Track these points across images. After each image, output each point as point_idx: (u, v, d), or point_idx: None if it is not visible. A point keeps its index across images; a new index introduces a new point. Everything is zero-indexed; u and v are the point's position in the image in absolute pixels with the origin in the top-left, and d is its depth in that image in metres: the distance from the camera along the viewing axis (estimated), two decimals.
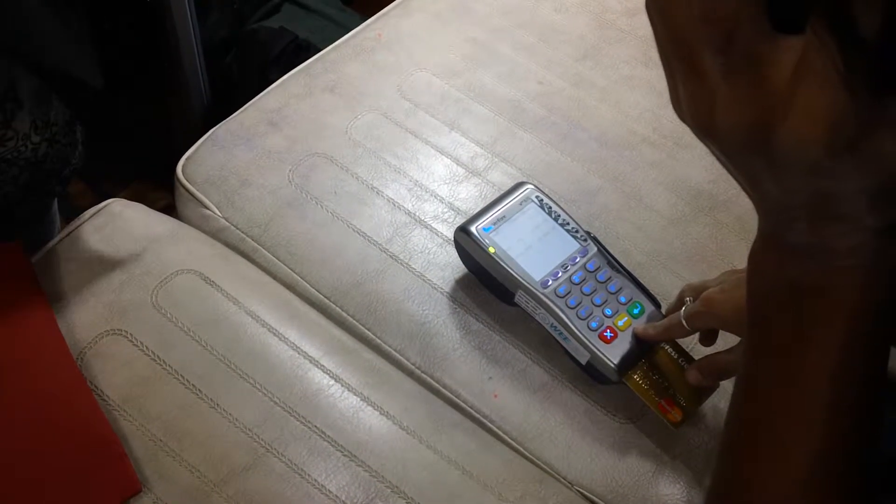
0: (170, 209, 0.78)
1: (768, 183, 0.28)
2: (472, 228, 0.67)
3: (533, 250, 0.67)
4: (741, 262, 0.64)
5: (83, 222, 0.71)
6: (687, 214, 0.78)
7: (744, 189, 0.31)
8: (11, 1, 0.64)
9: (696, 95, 0.28)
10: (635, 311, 0.66)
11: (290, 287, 0.71)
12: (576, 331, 0.64)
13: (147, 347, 0.63)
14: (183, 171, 0.77)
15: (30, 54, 0.67)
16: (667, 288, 0.71)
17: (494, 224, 0.67)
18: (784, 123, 0.25)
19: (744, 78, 0.26)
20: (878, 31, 0.24)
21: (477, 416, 0.66)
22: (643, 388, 0.63)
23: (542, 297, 0.64)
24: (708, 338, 0.63)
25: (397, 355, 0.68)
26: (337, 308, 0.70)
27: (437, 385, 0.67)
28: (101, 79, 0.71)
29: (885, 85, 0.25)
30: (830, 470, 0.32)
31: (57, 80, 0.69)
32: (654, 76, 0.88)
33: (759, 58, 0.25)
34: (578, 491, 0.63)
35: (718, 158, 0.30)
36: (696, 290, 0.61)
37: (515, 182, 0.72)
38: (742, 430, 0.35)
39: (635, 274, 0.68)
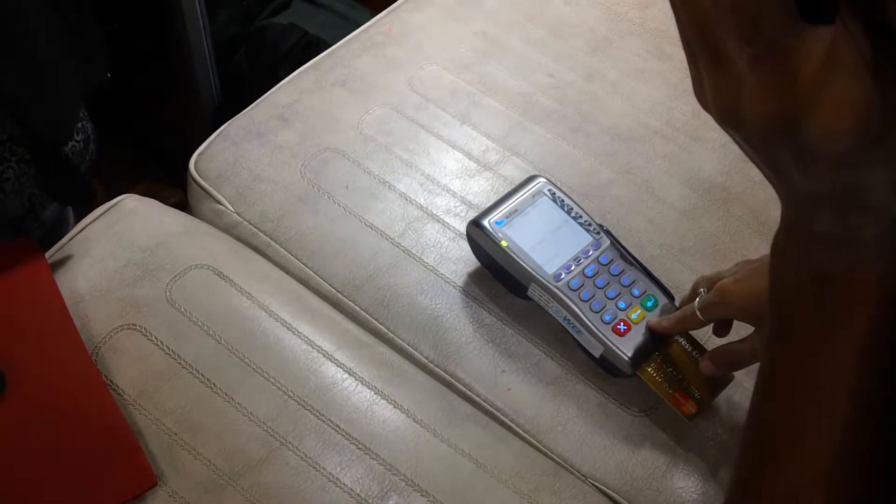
0: (182, 206, 0.79)
1: (794, 173, 0.28)
2: (485, 222, 0.67)
3: (545, 244, 0.67)
4: (755, 255, 0.64)
5: (96, 218, 0.72)
6: (700, 207, 0.78)
7: (767, 178, 0.30)
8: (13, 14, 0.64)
9: (720, 85, 0.27)
10: (649, 303, 0.65)
11: (303, 281, 0.72)
12: (589, 324, 0.63)
13: (161, 342, 0.63)
14: (195, 166, 0.77)
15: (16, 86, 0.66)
16: (680, 281, 0.71)
17: (507, 217, 0.67)
18: (812, 115, 0.25)
19: (771, 68, 0.26)
20: None
21: (490, 409, 0.66)
22: (657, 380, 0.63)
23: (554, 290, 0.64)
24: (722, 328, 0.63)
25: (410, 349, 0.68)
26: (350, 302, 0.70)
27: (450, 378, 0.67)
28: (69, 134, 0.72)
29: None
30: (853, 463, 0.32)
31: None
32: (666, 68, 0.88)
33: (786, 48, 0.25)
34: (592, 484, 0.63)
35: (742, 147, 0.29)
36: (709, 282, 0.60)
37: (527, 175, 0.71)
38: (763, 423, 0.34)
39: (649, 267, 0.68)
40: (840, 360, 0.30)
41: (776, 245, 0.32)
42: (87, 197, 0.75)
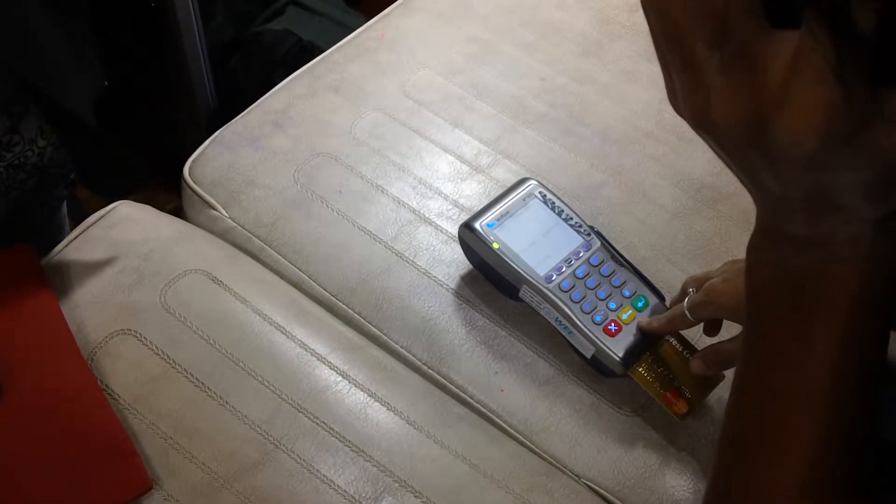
0: (177, 212, 0.79)
1: (765, 176, 0.29)
2: (476, 225, 0.67)
3: (537, 246, 0.67)
4: (744, 254, 0.64)
5: (92, 225, 0.72)
6: (690, 208, 0.78)
7: (741, 181, 0.31)
8: (17, 17, 0.64)
9: (691, 89, 0.28)
10: (639, 304, 0.66)
11: (297, 285, 0.72)
12: (580, 325, 0.64)
13: (156, 346, 0.64)
14: (190, 172, 0.78)
15: (32, 77, 0.67)
16: (671, 281, 0.72)
17: (498, 220, 0.68)
18: (779, 118, 0.26)
19: (739, 72, 0.26)
20: (874, 25, 0.24)
21: (483, 410, 0.66)
22: (648, 380, 0.64)
23: (546, 291, 0.65)
24: (712, 328, 0.63)
25: (404, 351, 0.69)
26: (343, 305, 0.71)
27: (443, 380, 0.68)
28: (93, 118, 0.72)
29: (879, 79, 0.25)
30: (830, 462, 0.32)
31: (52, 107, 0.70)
32: (655, 71, 0.88)
33: (753, 52, 0.25)
34: (585, 483, 0.63)
35: (716, 151, 0.30)
36: (698, 282, 0.61)
37: (519, 178, 0.72)
38: (740, 423, 0.35)
39: (639, 267, 0.69)
40: (815, 360, 0.31)
41: (752, 246, 0.33)
42: (129, 183, 0.76)
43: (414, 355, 0.69)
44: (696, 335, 0.67)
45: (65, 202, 0.84)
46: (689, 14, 0.26)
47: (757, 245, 0.32)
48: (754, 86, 0.26)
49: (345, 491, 0.59)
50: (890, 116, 0.25)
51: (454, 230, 0.72)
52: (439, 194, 0.77)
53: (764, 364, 0.33)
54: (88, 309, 0.66)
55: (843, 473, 0.32)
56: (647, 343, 0.65)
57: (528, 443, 0.65)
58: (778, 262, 0.31)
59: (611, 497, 0.63)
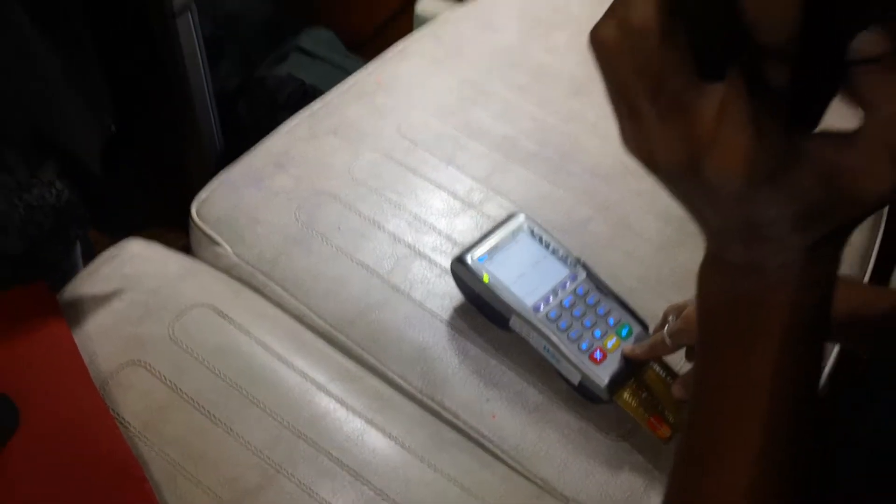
0: (186, 250, 0.83)
1: (705, 209, 0.32)
2: (468, 258, 0.71)
3: (525, 277, 0.71)
4: None
5: (104, 261, 0.76)
6: (675, 240, 0.82)
7: (688, 214, 0.34)
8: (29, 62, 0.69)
9: (637, 134, 0.32)
10: (623, 332, 0.69)
11: (298, 318, 0.76)
12: (567, 353, 0.67)
13: (165, 377, 0.67)
14: (197, 212, 0.82)
15: (43, 123, 0.72)
16: (658, 312, 0.74)
17: (488, 254, 0.71)
18: (709, 160, 0.29)
19: (674, 120, 0.30)
20: (788, 80, 0.28)
21: (476, 436, 0.69)
22: (633, 405, 0.67)
23: (534, 321, 0.68)
24: (693, 353, 0.66)
25: (400, 380, 0.72)
26: (342, 337, 0.74)
27: (437, 408, 0.71)
28: (100, 163, 0.76)
29: (793, 125, 0.29)
30: (771, 482, 0.34)
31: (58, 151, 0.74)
32: None
33: (686, 103, 0.29)
34: None
35: (664, 188, 0.34)
36: (678, 309, 0.64)
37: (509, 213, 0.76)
38: (690, 439, 0.37)
39: (624, 297, 0.72)
40: (755, 383, 0.34)
41: (700, 275, 0.36)
42: (131, 221, 0.79)
43: (409, 384, 0.72)
44: (680, 361, 0.70)
45: (77, 241, 0.88)
46: (632, 71, 0.30)
47: (705, 272, 0.36)
48: (687, 132, 0.30)
49: None
50: (810, 159, 0.29)
51: (448, 264, 0.76)
52: (433, 229, 0.80)
53: (710, 386, 0.36)
54: (100, 341, 0.69)
55: (783, 487, 0.35)
56: (631, 370, 0.68)
57: (518, 467, 0.68)
58: (721, 287, 0.34)
59: None
